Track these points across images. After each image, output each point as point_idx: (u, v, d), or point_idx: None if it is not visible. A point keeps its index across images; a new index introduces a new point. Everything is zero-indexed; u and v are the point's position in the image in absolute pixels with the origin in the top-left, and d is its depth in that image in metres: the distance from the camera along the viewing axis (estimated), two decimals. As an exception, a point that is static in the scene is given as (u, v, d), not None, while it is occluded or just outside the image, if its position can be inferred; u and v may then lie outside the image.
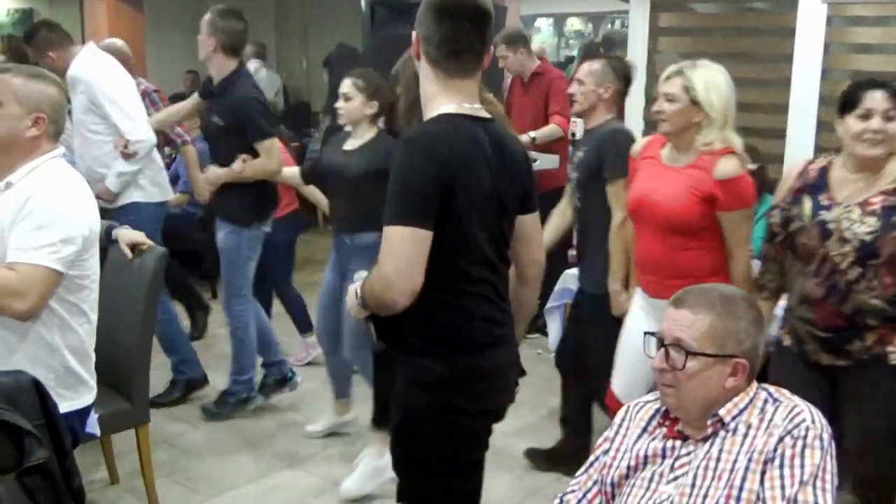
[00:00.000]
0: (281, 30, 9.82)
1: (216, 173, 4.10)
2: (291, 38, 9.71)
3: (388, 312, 2.06)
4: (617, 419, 2.08)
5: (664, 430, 1.96)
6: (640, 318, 3.17)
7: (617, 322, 3.34)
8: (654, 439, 1.96)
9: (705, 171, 2.94)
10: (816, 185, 2.72)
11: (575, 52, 9.31)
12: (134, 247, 3.29)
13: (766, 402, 1.88)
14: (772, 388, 1.92)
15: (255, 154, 4.04)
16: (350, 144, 3.77)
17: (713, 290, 1.98)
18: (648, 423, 2.00)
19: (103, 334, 3.27)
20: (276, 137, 4.15)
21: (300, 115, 8.52)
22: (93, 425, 2.82)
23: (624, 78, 3.55)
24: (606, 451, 2.04)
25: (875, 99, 2.58)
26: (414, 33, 2.13)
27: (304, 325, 5.18)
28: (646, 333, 1.98)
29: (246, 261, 4.20)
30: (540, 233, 2.39)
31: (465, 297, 2.13)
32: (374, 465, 3.61)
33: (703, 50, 5.54)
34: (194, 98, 4.48)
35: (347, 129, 3.81)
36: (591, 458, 2.08)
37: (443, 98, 2.13)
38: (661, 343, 1.93)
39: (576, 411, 3.80)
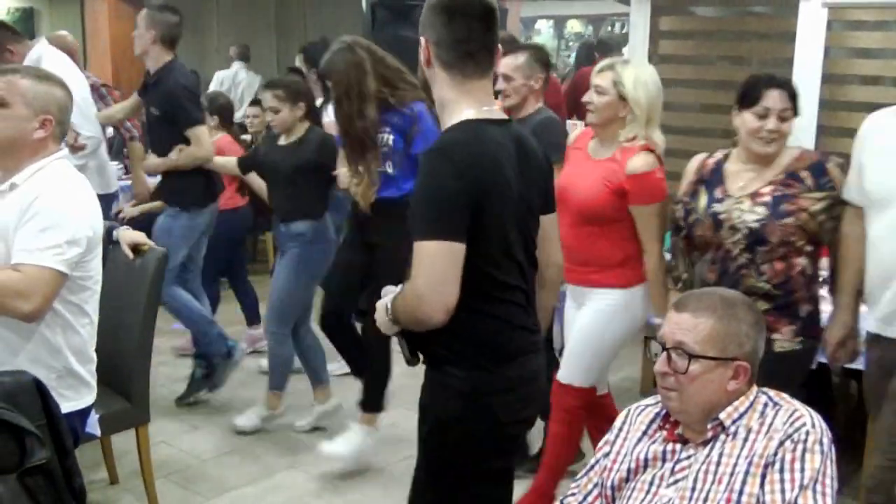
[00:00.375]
0: (281, 30, 9.83)
1: (154, 163, 4.41)
2: (291, 39, 9.71)
3: (422, 328, 2.04)
4: (617, 422, 2.08)
5: (664, 433, 1.97)
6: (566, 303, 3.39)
7: None
8: (654, 442, 1.97)
9: (620, 164, 3.07)
10: (712, 179, 2.89)
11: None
12: (135, 247, 3.30)
13: (766, 405, 1.89)
14: (772, 392, 1.92)
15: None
16: (283, 140, 4.12)
17: (714, 293, 1.99)
18: (649, 426, 2.01)
19: (104, 334, 3.27)
20: (204, 125, 4.40)
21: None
22: (93, 425, 2.82)
23: (546, 66, 3.70)
24: (607, 454, 2.04)
25: (773, 98, 2.73)
26: (422, 39, 2.10)
27: (252, 318, 5.40)
28: (646, 338, 1.98)
29: (177, 246, 4.29)
30: (558, 233, 2.37)
31: (502, 306, 2.11)
32: (363, 439, 3.83)
33: (704, 54, 5.56)
34: (136, 95, 4.66)
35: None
36: (592, 460, 2.08)
37: (462, 103, 2.09)
38: (663, 347, 1.94)
39: None
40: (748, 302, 1.98)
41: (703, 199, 2.87)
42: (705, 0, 5.61)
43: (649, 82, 3.14)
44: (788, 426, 1.82)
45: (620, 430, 2.06)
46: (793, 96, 2.77)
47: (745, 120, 2.78)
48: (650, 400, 2.07)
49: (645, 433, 2.00)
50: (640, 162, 3.05)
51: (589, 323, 3.22)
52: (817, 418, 1.84)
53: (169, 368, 4.89)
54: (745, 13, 5.65)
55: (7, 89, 2.47)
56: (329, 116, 4.49)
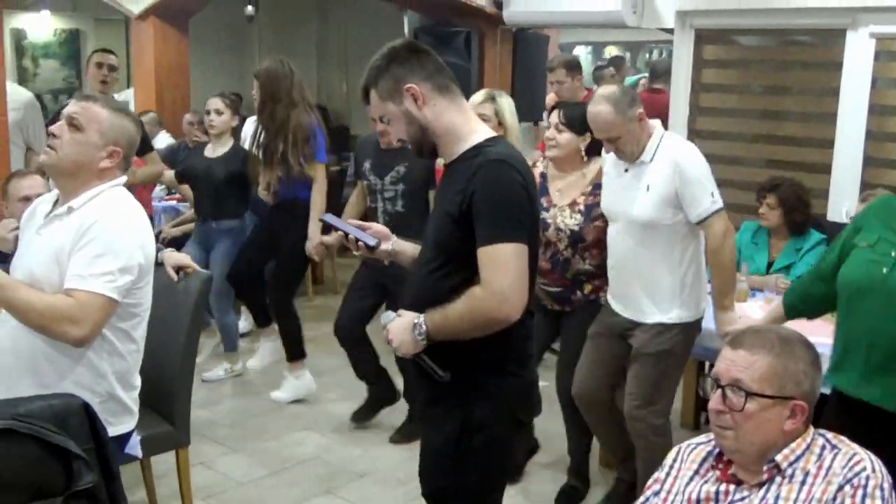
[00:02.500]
0: (322, 54, 9.91)
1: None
2: (332, 63, 9.79)
3: (495, 329, 2.13)
4: (668, 460, 2.05)
5: (717, 472, 1.93)
6: None
7: None
8: (706, 482, 1.93)
9: None
10: (539, 190, 3.50)
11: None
12: (179, 269, 3.31)
13: (823, 448, 1.85)
14: (829, 435, 1.88)
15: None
16: (211, 152, 5.03)
17: (770, 331, 1.96)
18: (700, 465, 1.97)
19: (147, 356, 3.28)
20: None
21: (340, 138, 8.56)
22: (134, 447, 2.83)
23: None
24: (657, 493, 2.01)
25: (553, 114, 3.58)
26: (405, 91, 2.20)
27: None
28: (700, 374, 1.96)
29: None
30: None
31: (527, 312, 2.20)
32: (295, 384, 4.84)
33: (748, 83, 5.53)
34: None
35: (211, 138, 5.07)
36: (642, 498, 2.05)
37: (471, 122, 2.27)
38: (717, 384, 1.90)
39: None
40: (805, 340, 1.94)
41: None
42: (749, 29, 5.58)
43: (514, 109, 3.90)
44: (848, 470, 1.77)
45: (671, 468, 2.02)
46: (567, 117, 3.52)
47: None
48: (702, 438, 2.03)
49: (697, 472, 1.96)
50: None
51: None
52: (877, 463, 1.79)
53: (207, 390, 4.91)
54: (789, 42, 5.62)
55: (84, 115, 2.52)
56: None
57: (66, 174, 2.54)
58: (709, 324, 3.41)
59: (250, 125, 5.24)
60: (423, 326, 2.16)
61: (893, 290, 2.47)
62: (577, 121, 3.48)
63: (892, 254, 2.51)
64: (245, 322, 5.84)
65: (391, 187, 4.11)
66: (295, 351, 4.84)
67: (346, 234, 2.42)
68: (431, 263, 2.24)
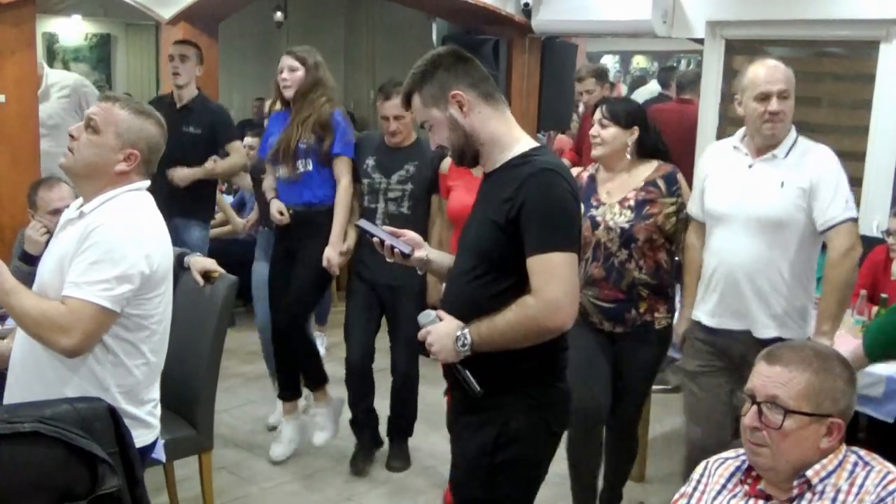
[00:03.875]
0: (350, 60, 9.95)
1: (187, 173, 4.72)
2: (360, 69, 9.82)
3: (546, 339, 2.15)
4: (695, 475, 2.02)
5: (746, 487, 1.90)
6: None
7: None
8: (734, 497, 1.90)
9: None
10: (588, 191, 3.37)
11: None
12: (206, 274, 3.32)
13: (855, 465, 1.81)
14: (862, 452, 1.85)
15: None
16: None
17: (806, 347, 1.93)
18: (728, 480, 1.94)
19: (171, 359, 3.27)
20: (239, 140, 5.05)
21: (368, 145, 8.60)
22: (158, 451, 2.82)
23: None
24: (685, 508, 1.98)
25: (597, 112, 3.38)
26: (451, 97, 2.20)
27: None
28: (732, 389, 1.93)
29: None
30: None
31: None
32: (329, 413, 4.28)
33: (778, 94, 5.47)
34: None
35: None
36: (669, 513, 2.02)
37: (515, 131, 2.27)
38: (753, 400, 1.87)
39: None
40: (842, 358, 1.91)
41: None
42: (780, 40, 5.53)
43: None
44: (881, 489, 1.74)
45: (698, 482, 1.99)
46: (611, 112, 3.32)
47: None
48: (730, 453, 2.00)
49: (724, 487, 1.93)
50: None
51: None
52: (911, 481, 1.75)
53: (229, 395, 4.92)
54: (821, 54, 5.56)
55: (102, 116, 2.43)
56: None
57: (83, 177, 2.47)
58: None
59: None
60: (468, 338, 2.15)
61: None
62: (621, 115, 3.33)
63: None
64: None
65: (398, 187, 3.93)
66: (318, 376, 4.29)
67: (382, 241, 2.38)
68: (473, 271, 2.23)
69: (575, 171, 3.49)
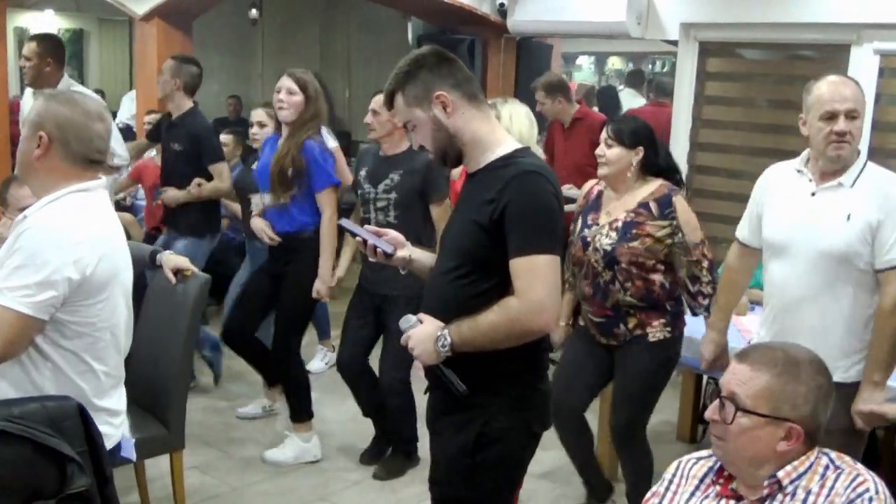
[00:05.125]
0: (325, 59, 9.91)
1: (175, 195, 4.77)
2: (335, 68, 9.79)
3: (529, 340, 2.16)
4: (667, 474, 2.03)
5: (718, 487, 1.91)
6: None
7: None
8: (707, 497, 1.91)
9: None
10: (591, 207, 3.43)
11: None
12: (178, 272, 3.29)
13: (827, 468, 1.83)
14: (833, 454, 1.86)
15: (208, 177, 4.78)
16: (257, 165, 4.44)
17: (780, 349, 1.92)
18: (702, 480, 1.95)
19: (143, 358, 3.28)
20: (225, 162, 4.91)
21: (341, 143, 8.56)
22: (129, 450, 2.79)
23: None
24: (656, 508, 1.99)
25: (603, 131, 3.35)
26: (437, 95, 2.19)
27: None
28: (709, 380, 1.95)
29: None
30: None
31: None
32: (301, 446, 4.21)
33: (752, 96, 5.52)
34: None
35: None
36: (641, 512, 2.03)
37: (498, 132, 2.28)
38: (718, 394, 1.89)
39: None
40: (818, 365, 1.90)
41: (578, 225, 3.45)
42: (753, 43, 5.58)
43: (522, 115, 3.80)
44: (851, 491, 1.75)
45: (671, 482, 2.00)
46: (616, 132, 3.31)
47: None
48: (703, 453, 2.01)
49: (698, 487, 1.94)
50: None
51: None
52: (881, 484, 1.77)
53: (201, 394, 4.88)
54: (793, 57, 5.61)
55: (25, 115, 2.43)
56: (329, 143, 4.63)
57: (24, 177, 2.44)
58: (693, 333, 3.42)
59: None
60: (448, 339, 2.15)
61: None
62: (626, 134, 3.28)
63: None
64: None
65: (384, 196, 3.87)
66: (303, 408, 4.23)
67: (365, 241, 2.38)
68: (455, 271, 2.23)
69: (589, 183, 3.56)
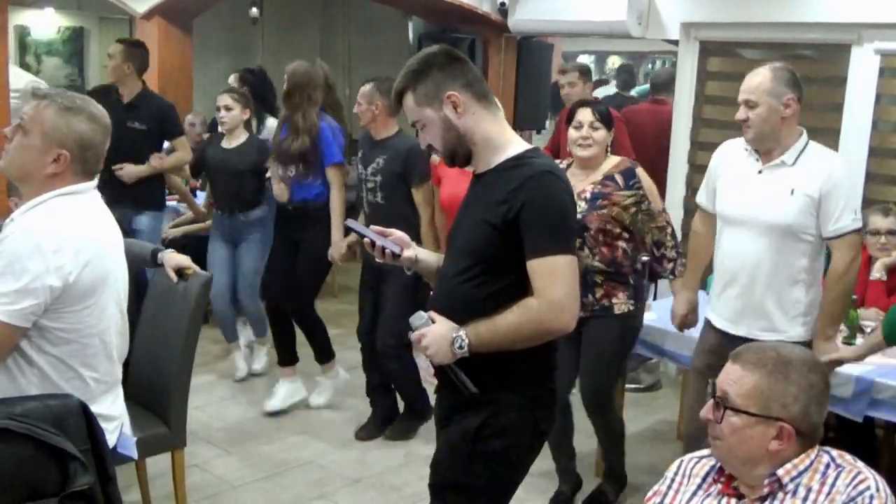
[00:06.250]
0: (325, 57, 9.87)
1: (137, 169, 5.03)
2: (335, 67, 9.76)
3: (548, 339, 2.19)
4: (669, 473, 2.03)
5: (719, 486, 1.92)
6: None
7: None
8: (709, 496, 1.92)
9: None
10: None
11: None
12: (180, 271, 3.29)
13: (828, 466, 1.83)
14: (834, 452, 1.86)
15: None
16: (227, 143, 4.97)
17: (772, 349, 1.92)
18: (704, 479, 1.96)
19: (144, 357, 3.29)
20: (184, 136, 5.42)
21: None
22: (130, 448, 2.79)
23: (388, 94, 4.08)
24: (658, 506, 1.99)
25: (583, 113, 3.56)
26: (448, 95, 2.19)
27: None
28: (710, 380, 1.96)
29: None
30: None
31: None
32: (332, 384, 4.82)
33: (752, 96, 5.52)
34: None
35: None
36: (642, 511, 2.03)
37: (507, 132, 2.27)
38: (713, 393, 1.90)
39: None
40: (811, 364, 1.89)
41: None
42: (754, 42, 5.57)
43: None
44: (852, 489, 1.75)
45: (672, 480, 2.01)
46: (600, 114, 3.55)
47: (569, 134, 3.60)
48: (704, 452, 2.02)
49: (700, 486, 1.95)
50: None
51: None
52: (881, 481, 1.77)
53: (202, 392, 4.89)
54: (793, 57, 5.60)
55: (31, 116, 2.32)
56: (265, 133, 5.46)
57: (18, 181, 2.38)
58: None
59: (272, 122, 5.54)
60: (465, 339, 2.15)
61: None
62: (607, 117, 3.59)
63: None
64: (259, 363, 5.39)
65: (372, 178, 4.25)
66: (325, 353, 4.81)
67: (373, 242, 2.37)
68: (467, 272, 2.22)
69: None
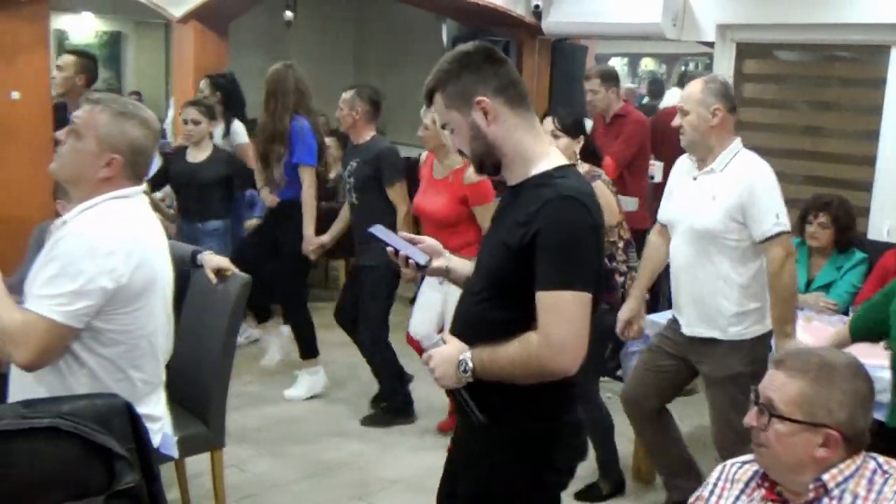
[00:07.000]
0: (359, 60, 9.95)
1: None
2: (369, 69, 9.82)
3: (548, 380, 1.99)
4: (711, 478, 2.02)
5: (763, 491, 1.91)
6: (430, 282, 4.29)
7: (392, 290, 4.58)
8: (752, 501, 1.91)
9: (457, 180, 4.14)
10: None
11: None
12: (219, 272, 3.32)
13: (874, 472, 1.81)
14: (881, 458, 1.84)
15: None
16: (193, 157, 5.10)
17: (815, 354, 1.90)
18: (747, 484, 1.94)
19: (184, 357, 3.30)
20: None
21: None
22: (171, 447, 2.82)
23: (370, 101, 4.56)
24: (700, 511, 1.98)
25: (546, 122, 3.59)
26: (477, 100, 2.03)
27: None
28: (751, 388, 1.94)
29: None
30: None
31: None
32: (311, 379, 4.99)
33: (789, 98, 5.48)
34: None
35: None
36: (685, 515, 2.03)
37: (544, 144, 2.11)
38: (756, 400, 1.88)
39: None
40: (856, 369, 1.87)
41: None
42: (791, 44, 5.53)
43: None
44: (899, 496, 1.74)
45: (715, 485, 2.00)
46: (562, 123, 3.61)
47: None
48: (748, 457, 2.00)
49: (743, 491, 1.94)
50: (473, 172, 3.92)
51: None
52: (930, 487, 1.76)
53: (240, 393, 4.92)
54: (831, 58, 5.56)
55: (84, 120, 2.34)
56: (239, 139, 5.63)
57: (69, 184, 2.41)
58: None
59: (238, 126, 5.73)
60: (469, 364, 2.01)
61: None
62: (570, 125, 3.63)
63: None
64: (254, 331, 5.93)
65: (349, 180, 4.58)
66: (309, 349, 5.00)
67: (396, 251, 2.24)
68: (480, 293, 2.10)
69: None
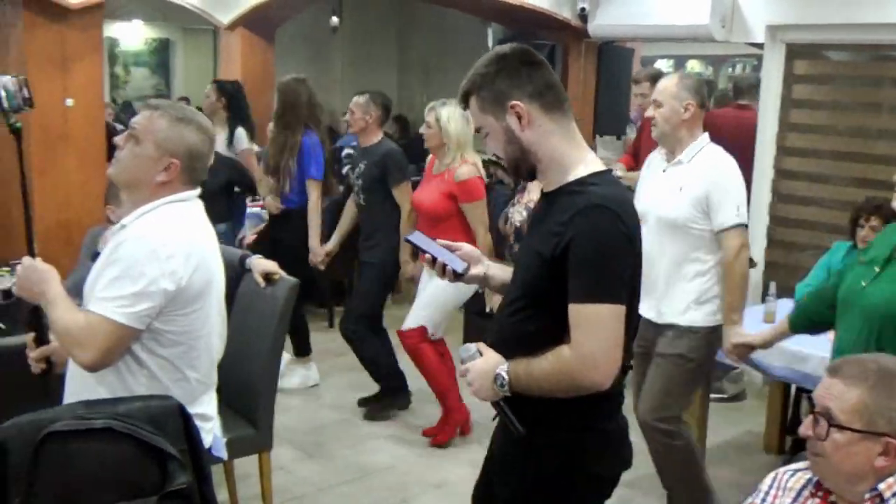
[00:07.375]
0: (403, 65, 10.00)
1: None
2: (413, 73, 9.87)
3: (581, 394, 1.96)
4: (763, 485, 2.00)
5: (817, 500, 1.87)
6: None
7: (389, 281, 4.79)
8: (805, 509, 1.88)
9: (449, 176, 4.27)
10: (521, 188, 4.20)
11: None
12: (267, 276, 3.36)
13: (931, 480, 1.78)
14: (940, 467, 1.81)
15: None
16: None
17: (873, 361, 1.87)
18: (800, 492, 1.91)
19: (232, 360, 3.33)
20: None
21: (418, 147, 8.64)
22: (220, 449, 2.85)
23: (383, 106, 4.79)
24: (753, 519, 1.96)
25: None
26: (511, 105, 2.01)
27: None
28: (806, 396, 1.91)
29: None
30: None
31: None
32: (304, 373, 5.19)
33: (839, 99, 5.39)
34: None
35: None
36: (736, 523, 2.00)
37: (579, 150, 2.07)
38: (812, 409, 1.85)
39: None
40: None
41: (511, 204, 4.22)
42: (842, 44, 5.44)
43: (458, 116, 4.22)
44: (958, 504, 1.70)
45: (767, 493, 1.97)
46: None
47: None
48: (801, 464, 1.97)
49: (795, 500, 1.90)
50: (463, 171, 4.24)
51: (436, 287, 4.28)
52: None
53: (282, 397, 4.96)
54: (883, 58, 5.46)
55: (143, 126, 2.38)
56: (242, 145, 5.63)
57: (127, 188, 2.45)
58: (799, 346, 3.34)
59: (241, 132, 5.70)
60: (506, 378, 1.99)
61: (865, 305, 2.69)
62: None
63: (876, 269, 2.73)
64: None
65: (357, 182, 4.77)
66: (302, 347, 5.20)
67: (434, 259, 2.21)
68: (515, 304, 2.07)
69: None
